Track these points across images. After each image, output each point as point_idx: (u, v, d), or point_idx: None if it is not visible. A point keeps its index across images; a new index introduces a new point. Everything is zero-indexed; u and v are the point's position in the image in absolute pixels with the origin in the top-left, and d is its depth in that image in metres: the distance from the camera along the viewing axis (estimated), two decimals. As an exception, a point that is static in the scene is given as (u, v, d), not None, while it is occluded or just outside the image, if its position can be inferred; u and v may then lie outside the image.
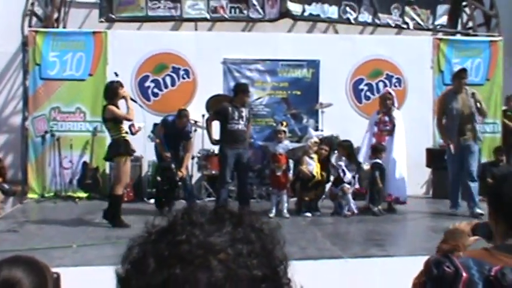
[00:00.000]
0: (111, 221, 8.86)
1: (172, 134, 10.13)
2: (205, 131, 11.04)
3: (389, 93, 10.61)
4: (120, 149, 8.83)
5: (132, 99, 9.24)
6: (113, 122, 8.84)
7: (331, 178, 10.24)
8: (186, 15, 12.32)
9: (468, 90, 10.02)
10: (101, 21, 12.10)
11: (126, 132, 9.01)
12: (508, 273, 1.54)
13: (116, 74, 9.51)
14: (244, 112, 9.90)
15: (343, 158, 10.07)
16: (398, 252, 7.43)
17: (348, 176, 9.91)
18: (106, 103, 8.96)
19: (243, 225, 1.16)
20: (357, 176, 10.15)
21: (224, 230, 1.13)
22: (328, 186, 10.35)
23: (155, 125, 10.74)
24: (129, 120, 8.91)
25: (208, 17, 12.32)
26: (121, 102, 8.99)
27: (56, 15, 12.50)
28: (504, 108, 13.04)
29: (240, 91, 10.03)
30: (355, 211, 9.85)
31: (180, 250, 1.10)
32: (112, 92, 8.92)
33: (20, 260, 2.23)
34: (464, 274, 1.55)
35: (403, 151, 10.36)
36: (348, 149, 10.20)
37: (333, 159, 10.25)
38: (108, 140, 10.02)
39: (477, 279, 1.56)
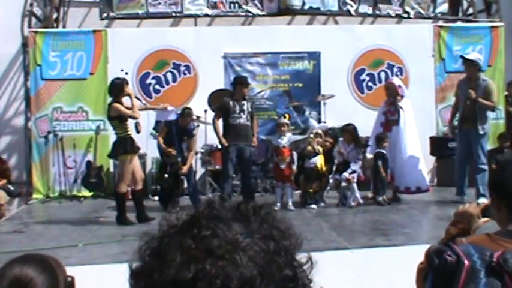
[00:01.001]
0: (117, 218, 8.85)
1: (176, 132, 10.14)
2: (208, 126, 11.09)
3: (391, 83, 10.54)
4: (125, 147, 8.79)
5: (136, 98, 9.22)
6: (118, 119, 8.80)
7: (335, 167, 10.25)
8: (186, 11, 12.31)
9: (481, 79, 9.81)
10: (102, 19, 12.07)
11: (136, 130, 9.03)
12: (510, 258, 1.54)
13: (123, 71, 9.53)
14: (246, 106, 9.88)
15: (348, 144, 10.04)
16: (404, 242, 7.41)
17: (354, 167, 9.90)
18: (111, 101, 8.93)
19: (268, 223, 1.15)
20: (359, 163, 10.10)
21: (250, 226, 1.12)
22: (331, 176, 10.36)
23: (157, 122, 10.75)
24: (134, 118, 8.90)
25: (209, 12, 12.29)
26: (125, 100, 8.96)
27: (55, 15, 12.50)
28: (506, 93, 13.00)
29: (238, 84, 10.03)
30: (361, 201, 9.84)
31: (209, 244, 1.08)
32: (117, 88, 8.85)
33: (31, 258, 2.21)
34: (466, 262, 1.54)
35: (416, 140, 10.28)
36: (352, 133, 10.15)
37: (337, 148, 10.22)
38: (111, 138, 10.05)
39: (479, 266, 1.55)
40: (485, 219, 2.84)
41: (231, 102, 9.81)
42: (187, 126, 10.23)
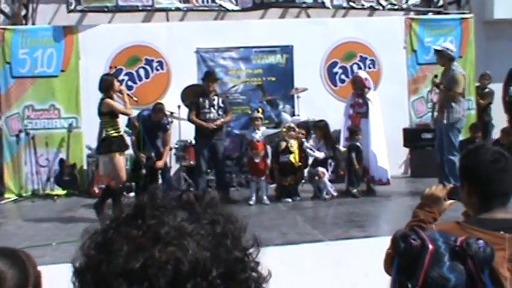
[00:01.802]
0: (95, 209, 8.76)
1: (149, 128, 10.12)
2: (182, 122, 11.06)
3: (358, 77, 10.63)
4: (113, 146, 8.71)
5: (128, 95, 9.14)
6: (109, 116, 8.69)
7: (310, 161, 10.29)
8: (157, 5, 12.19)
9: (451, 69, 9.67)
10: (70, 12, 11.88)
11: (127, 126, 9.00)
12: (472, 243, 1.55)
13: (111, 68, 9.57)
14: (216, 101, 9.92)
15: (319, 140, 10.12)
16: (379, 233, 7.46)
17: (319, 155, 9.95)
18: (102, 96, 8.78)
19: (212, 209, 1.15)
20: (330, 161, 10.19)
21: (195, 213, 1.13)
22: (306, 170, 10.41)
23: (129, 119, 10.69)
24: (126, 114, 8.85)
25: (180, 6, 12.21)
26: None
27: (23, 12, 12.34)
28: (477, 85, 13.14)
29: (206, 79, 10.13)
30: (334, 194, 9.88)
31: (155, 232, 1.08)
32: (108, 84, 8.75)
33: (1, 252, 2.18)
34: (430, 246, 1.55)
35: (381, 132, 10.40)
36: (323, 129, 10.25)
37: (310, 143, 10.28)
38: (84, 136, 10.02)
39: (443, 250, 1.57)
40: (452, 201, 2.86)
41: (200, 99, 9.85)
42: (160, 121, 10.20)
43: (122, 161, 8.88)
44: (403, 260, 1.59)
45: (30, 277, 2.16)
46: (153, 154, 10.02)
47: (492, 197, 2.61)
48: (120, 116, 8.96)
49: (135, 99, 9.23)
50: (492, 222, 2.53)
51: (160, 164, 10.02)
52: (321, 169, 9.90)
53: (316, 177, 9.92)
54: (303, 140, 10.21)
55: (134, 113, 10.72)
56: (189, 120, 10.11)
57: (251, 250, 1.15)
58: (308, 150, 10.08)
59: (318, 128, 10.34)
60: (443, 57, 9.75)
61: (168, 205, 1.13)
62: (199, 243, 1.07)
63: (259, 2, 12.25)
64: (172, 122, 10.99)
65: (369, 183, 10.32)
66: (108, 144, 8.75)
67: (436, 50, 9.96)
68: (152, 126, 10.13)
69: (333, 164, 10.28)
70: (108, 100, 8.67)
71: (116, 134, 8.74)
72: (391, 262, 1.66)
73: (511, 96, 12.76)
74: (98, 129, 9.27)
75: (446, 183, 9.18)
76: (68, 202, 10.69)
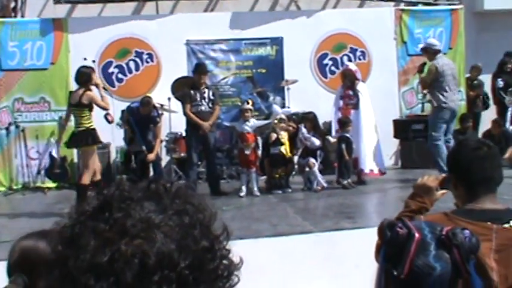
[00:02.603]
0: None
1: (139, 121, 10.12)
2: (172, 114, 11.06)
3: (348, 69, 10.68)
4: (93, 138, 8.69)
5: (104, 88, 9.16)
6: (88, 108, 8.65)
7: (299, 152, 10.34)
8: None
9: (435, 60, 10.02)
10: (56, 3, 11.82)
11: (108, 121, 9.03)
12: (458, 233, 1.57)
13: (86, 60, 9.62)
14: (207, 93, 9.92)
15: (309, 132, 10.17)
16: (369, 224, 7.47)
17: (316, 142, 10.00)
18: (79, 88, 8.73)
19: (180, 198, 1.15)
20: (320, 152, 10.24)
21: (162, 203, 1.12)
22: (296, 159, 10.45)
23: (123, 111, 10.69)
24: (104, 108, 8.81)
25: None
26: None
27: (13, 5, 12.28)
28: (467, 76, 13.19)
29: (196, 71, 10.12)
30: (325, 185, 9.91)
31: (122, 225, 1.08)
32: (86, 76, 8.69)
33: (42, 234, 2.28)
34: (416, 235, 1.57)
35: (372, 123, 10.45)
36: (313, 121, 10.32)
37: (301, 135, 10.30)
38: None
39: (429, 239, 1.58)
40: (444, 191, 2.88)
41: (191, 91, 9.85)
42: (150, 114, 10.21)
43: (95, 155, 8.91)
44: (389, 248, 1.61)
45: None
46: (144, 147, 10.02)
47: (476, 185, 2.62)
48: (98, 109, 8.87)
49: (108, 93, 9.26)
50: (479, 213, 2.54)
51: (151, 156, 10.04)
52: (311, 160, 9.93)
53: (307, 168, 9.94)
54: (301, 126, 10.25)
55: (123, 106, 10.76)
56: (185, 114, 10.05)
57: (221, 238, 1.15)
58: (305, 138, 10.09)
59: (308, 120, 10.38)
60: (429, 53, 10.09)
61: (135, 197, 1.13)
62: (167, 234, 1.08)
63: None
64: (162, 114, 10.99)
65: (359, 174, 10.36)
66: (86, 137, 8.67)
67: (421, 49, 10.39)
68: (142, 119, 10.14)
69: (322, 154, 10.31)
70: (90, 92, 8.65)
71: (94, 127, 8.72)
72: (378, 251, 1.68)
73: (499, 88, 12.88)
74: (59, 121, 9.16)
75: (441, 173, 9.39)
76: (59, 195, 10.67)
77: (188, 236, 1.10)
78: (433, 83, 9.84)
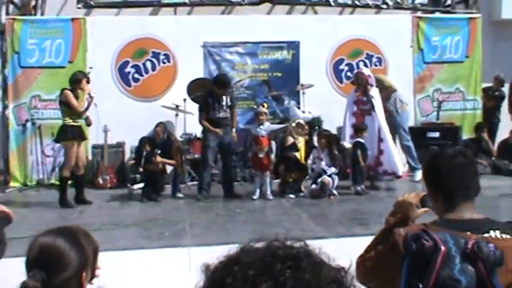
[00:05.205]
0: (61, 205, 9.41)
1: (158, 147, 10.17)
2: (187, 115, 11.11)
3: (361, 73, 10.68)
4: (71, 133, 9.30)
5: (89, 95, 9.46)
6: (66, 106, 9.30)
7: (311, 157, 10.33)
8: (165, 0, 12.24)
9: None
10: (79, 8, 11.96)
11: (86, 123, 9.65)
12: (483, 246, 1.58)
13: (91, 68, 10.46)
14: (225, 100, 9.96)
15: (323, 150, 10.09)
16: (382, 231, 7.48)
17: (328, 171, 9.93)
18: (67, 87, 9.39)
19: (332, 271, 1.30)
20: (336, 170, 10.14)
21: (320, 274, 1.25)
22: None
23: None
24: (76, 111, 9.23)
25: (187, 1, 12.23)
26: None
27: (33, 3, 12.35)
28: (490, 85, 13.15)
29: (215, 85, 10.09)
30: (336, 194, 9.85)
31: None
32: (76, 80, 9.39)
33: (62, 233, 2.35)
34: (442, 248, 1.58)
35: (386, 127, 10.47)
36: (328, 138, 10.22)
37: (312, 156, 10.29)
38: (90, 128, 10.08)
39: (454, 252, 1.60)
40: (425, 209, 2.85)
41: (210, 100, 9.91)
42: (164, 140, 10.40)
43: (75, 150, 9.39)
44: (414, 260, 1.62)
45: (88, 255, 2.34)
46: (159, 151, 10.02)
47: (453, 193, 2.59)
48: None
49: (95, 103, 9.69)
50: (458, 223, 2.51)
51: (158, 159, 10.00)
52: (327, 178, 9.84)
53: (320, 185, 9.86)
54: (314, 148, 10.23)
55: (138, 105, 10.78)
56: (200, 123, 10.10)
57: None
58: (316, 160, 10.08)
59: (323, 137, 10.31)
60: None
61: (298, 261, 1.26)
62: None
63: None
64: (177, 115, 10.97)
65: (372, 180, 10.36)
66: (64, 133, 9.38)
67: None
68: (158, 145, 10.23)
69: (336, 178, 10.16)
70: (67, 91, 9.30)
71: (72, 123, 9.32)
72: (401, 262, 1.68)
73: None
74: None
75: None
76: (72, 192, 10.67)
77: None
78: None
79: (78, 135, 9.40)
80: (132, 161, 10.53)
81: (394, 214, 2.89)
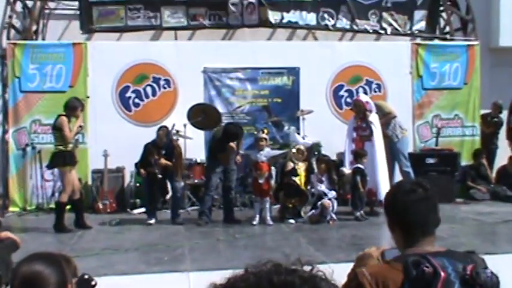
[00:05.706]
0: (54, 226, 9.41)
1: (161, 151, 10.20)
2: (187, 140, 11.11)
3: (359, 100, 10.76)
4: (65, 159, 9.33)
5: (80, 126, 9.65)
6: (59, 132, 9.32)
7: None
8: (165, 24, 12.34)
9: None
10: (83, 33, 12.07)
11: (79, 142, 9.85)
12: (481, 272, 1.60)
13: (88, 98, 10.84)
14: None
15: (322, 174, 10.13)
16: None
17: (329, 194, 9.95)
18: (61, 113, 9.41)
19: None
20: (334, 194, 10.15)
21: None
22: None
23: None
24: (66, 139, 9.31)
25: (187, 24, 12.33)
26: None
27: (34, 28, 12.45)
28: (488, 112, 13.21)
29: (225, 136, 10.05)
30: (335, 219, 9.87)
31: None
32: (72, 107, 9.47)
33: (37, 256, 2.38)
34: (442, 274, 1.60)
35: (383, 154, 10.50)
36: (327, 164, 10.27)
37: (312, 179, 10.32)
38: (90, 151, 10.11)
39: (453, 278, 1.62)
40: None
41: (219, 145, 9.98)
42: (166, 143, 10.31)
43: (72, 176, 9.46)
44: (415, 286, 1.64)
45: (67, 274, 2.35)
46: (156, 170, 10.04)
47: (412, 228, 2.55)
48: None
49: (81, 128, 9.81)
50: None
51: (163, 161, 10.06)
52: (327, 201, 9.87)
53: (319, 209, 9.88)
54: (312, 161, 10.26)
55: (139, 130, 10.83)
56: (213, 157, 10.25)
57: None
58: (315, 184, 10.11)
59: (322, 162, 10.35)
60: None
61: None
62: None
63: (264, 19, 12.35)
64: (178, 140, 11.01)
65: (372, 206, 10.37)
66: (56, 159, 9.42)
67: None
68: (161, 149, 10.23)
69: (336, 202, 10.17)
70: (63, 118, 9.34)
71: (64, 149, 9.35)
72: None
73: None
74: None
75: None
76: (72, 217, 10.64)
77: None
78: None
79: (70, 160, 9.44)
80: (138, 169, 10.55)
81: (355, 268, 2.87)
